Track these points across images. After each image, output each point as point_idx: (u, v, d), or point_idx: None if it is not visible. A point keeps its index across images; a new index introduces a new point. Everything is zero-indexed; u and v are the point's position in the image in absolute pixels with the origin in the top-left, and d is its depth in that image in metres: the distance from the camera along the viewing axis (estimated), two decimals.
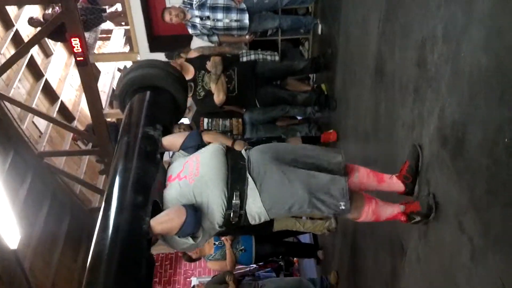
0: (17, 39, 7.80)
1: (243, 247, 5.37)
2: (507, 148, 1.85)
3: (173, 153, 2.87)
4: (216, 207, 2.44)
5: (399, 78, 3.09)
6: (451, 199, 2.37)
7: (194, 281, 6.99)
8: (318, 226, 5.22)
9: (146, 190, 2.37)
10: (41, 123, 8.18)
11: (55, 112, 8.36)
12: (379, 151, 3.58)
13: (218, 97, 4.78)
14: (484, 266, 2.07)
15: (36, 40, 7.13)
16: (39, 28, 7.26)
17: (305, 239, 6.57)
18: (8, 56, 7.21)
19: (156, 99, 2.93)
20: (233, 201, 2.45)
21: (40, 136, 8.14)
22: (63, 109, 8.79)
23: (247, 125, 5.18)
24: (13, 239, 6.60)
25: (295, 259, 7.21)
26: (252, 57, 5.33)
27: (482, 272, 2.08)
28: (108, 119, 7.68)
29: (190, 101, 5.10)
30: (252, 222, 2.53)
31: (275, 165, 2.52)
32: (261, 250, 5.48)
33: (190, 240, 2.40)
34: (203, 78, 4.81)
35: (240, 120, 5.18)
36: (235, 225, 2.52)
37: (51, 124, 8.20)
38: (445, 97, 2.43)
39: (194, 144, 2.70)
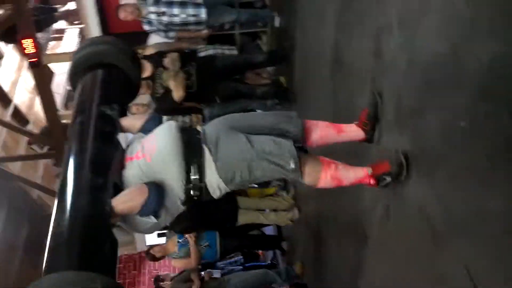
0: None
1: (207, 243, 5.34)
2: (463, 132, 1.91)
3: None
4: (175, 182, 2.40)
5: (356, 68, 3.15)
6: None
7: None
8: (281, 217, 5.25)
9: (105, 171, 2.29)
10: None
11: (9, 116, 8.11)
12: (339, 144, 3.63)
13: (177, 94, 4.74)
14: (447, 250, 2.12)
15: None
16: None
17: (269, 231, 6.61)
18: None
19: (109, 77, 2.79)
20: (191, 174, 2.41)
21: None
22: (17, 113, 8.53)
23: (206, 120, 5.16)
24: None
25: (260, 251, 7.25)
26: (211, 52, 5.32)
27: (445, 256, 2.13)
28: (64, 121, 7.50)
29: (148, 98, 5.05)
30: (214, 195, 2.50)
31: (228, 133, 2.51)
32: (226, 244, 5.47)
33: (152, 219, 2.35)
34: (161, 75, 4.76)
35: (199, 116, 5.16)
36: (198, 200, 2.47)
37: (5, 129, 7.96)
38: (401, 85, 2.49)
39: (154, 128, 2.60)
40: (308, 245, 4.86)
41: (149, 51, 5.00)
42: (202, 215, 4.99)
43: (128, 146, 2.57)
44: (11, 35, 6.56)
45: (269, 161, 2.43)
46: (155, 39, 5.44)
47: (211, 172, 2.43)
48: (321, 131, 2.71)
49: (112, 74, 2.82)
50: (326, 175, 2.56)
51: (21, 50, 6.91)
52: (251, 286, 5.21)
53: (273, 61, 5.32)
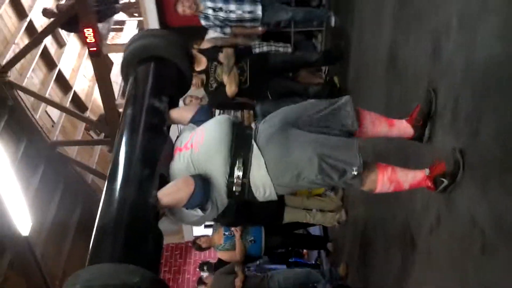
0: (31, 29, 7.86)
1: (252, 238, 5.38)
2: None
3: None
4: (219, 174, 2.35)
5: (412, 68, 3.08)
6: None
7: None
8: (328, 218, 5.22)
9: (152, 163, 2.31)
10: (54, 113, 8.25)
11: (68, 102, 8.43)
12: (392, 146, 3.58)
13: (230, 89, 4.78)
14: (496, 260, 2.06)
15: (49, 30, 7.20)
16: (52, 19, 7.30)
17: (315, 231, 6.58)
18: (22, 46, 7.28)
19: (161, 69, 2.82)
20: (235, 168, 2.35)
21: (53, 126, 8.21)
22: (76, 99, 8.86)
23: (258, 117, 5.18)
24: (25, 226, 6.68)
25: (304, 251, 7.23)
26: (265, 48, 5.32)
27: (493, 266, 2.08)
28: (121, 110, 7.71)
29: (202, 92, 5.12)
30: (256, 194, 2.42)
31: (283, 130, 2.40)
32: (271, 241, 5.49)
33: (199, 212, 2.34)
34: (215, 69, 4.81)
35: (251, 112, 5.18)
36: (240, 197, 2.40)
37: (64, 114, 8.27)
38: (458, 86, 2.42)
39: (204, 119, 2.59)
40: (354, 248, 4.81)
41: (205, 45, 5.06)
42: (249, 210, 5.02)
43: (178, 137, 2.59)
44: (73, 24, 6.80)
45: (328, 164, 2.31)
46: (212, 34, 5.50)
47: (258, 169, 2.36)
48: (373, 122, 2.63)
49: (164, 67, 2.84)
50: (383, 178, 2.45)
51: (83, 39, 7.16)
52: (293, 284, 5.20)
53: (328, 60, 5.27)
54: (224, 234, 5.35)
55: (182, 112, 2.74)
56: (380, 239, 3.91)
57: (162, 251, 2.26)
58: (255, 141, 2.41)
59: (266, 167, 2.35)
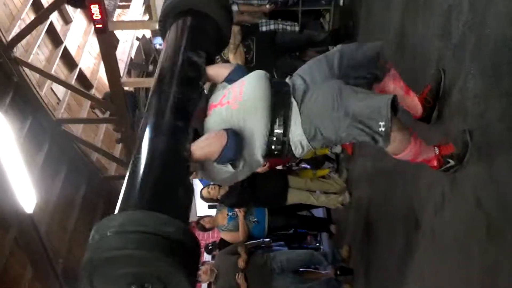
0: (37, 4, 7.79)
1: (256, 219, 5.37)
2: None
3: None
4: (259, 132, 2.28)
5: (422, 48, 3.03)
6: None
7: (205, 256, 7.03)
8: (332, 200, 5.20)
9: (186, 116, 2.27)
10: (60, 90, 8.21)
11: (74, 80, 8.39)
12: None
13: None
14: (501, 242, 2.03)
15: (55, 6, 7.13)
16: None
17: (319, 213, 6.56)
18: (27, 21, 7.22)
19: (200, 24, 2.76)
20: (275, 126, 2.29)
21: (58, 103, 8.18)
22: (82, 77, 8.81)
23: None
24: (29, 203, 6.70)
25: (308, 234, 7.20)
26: (272, 27, 5.25)
27: (498, 248, 2.05)
28: (126, 88, 7.68)
29: None
30: (295, 151, 2.36)
31: (317, 84, 2.35)
32: (274, 222, 5.49)
33: (229, 168, 2.27)
34: None
35: None
36: (278, 155, 2.36)
37: (69, 92, 8.23)
38: (467, 67, 2.37)
39: (239, 79, 2.50)
40: (357, 229, 4.79)
41: None
42: (253, 191, 5.01)
43: (212, 93, 2.52)
44: (80, 1, 6.74)
45: (356, 120, 2.19)
46: None
47: (296, 127, 2.30)
48: (395, 78, 2.55)
49: (203, 22, 2.78)
50: (411, 150, 2.35)
51: (89, 15, 7.09)
52: (295, 265, 5.20)
53: (335, 40, 5.20)
54: (228, 215, 5.35)
55: (219, 68, 2.65)
56: (384, 221, 3.89)
57: (191, 205, 2.20)
58: (294, 98, 2.34)
59: (301, 124, 2.29)
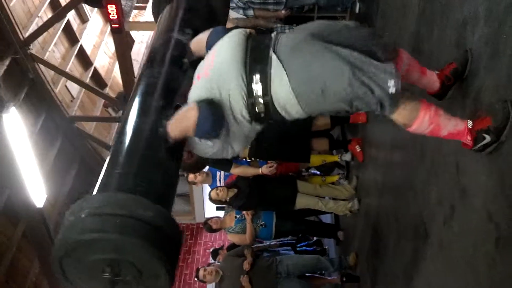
0: (54, 3, 7.89)
1: (263, 222, 5.37)
2: None
3: None
4: (236, 95, 2.06)
5: (436, 58, 3.02)
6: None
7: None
8: (340, 206, 5.18)
9: (167, 94, 2.23)
10: (74, 88, 8.30)
11: (88, 78, 8.47)
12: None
13: None
14: (510, 254, 2.02)
15: (73, 4, 7.21)
16: None
17: (327, 219, 6.55)
18: (45, 19, 7.31)
19: (190, 4, 2.73)
20: (253, 85, 2.04)
21: (72, 101, 8.26)
22: (96, 76, 8.89)
23: None
24: (40, 198, 6.76)
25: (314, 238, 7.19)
26: (287, 32, 5.26)
27: (507, 260, 2.04)
28: None
29: None
30: (283, 114, 2.12)
31: (311, 39, 2.06)
32: (282, 226, 5.48)
33: (213, 141, 2.13)
34: None
35: None
36: (266, 118, 2.13)
37: (83, 90, 8.31)
38: (483, 79, 2.36)
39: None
40: (365, 237, 4.77)
41: (227, 25, 5.02)
42: (262, 194, 5.02)
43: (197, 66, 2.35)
44: (97, 0, 6.80)
45: (362, 72, 1.97)
46: (234, 15, 5.46)
47: (280, 85, 2.04)
48: (410, 63, 2.36)
49: (192, 2, 2.77)
50: (425, 116, 2.13)
51: (105, 15, 7.15)
52: (301, 270, 5.19)
53: None
54: (236, 217, 5.36)
55: (197, 39, 2.42)
56: (392, 230, 3.87)
57: (175, 190, 2.10)
58: (275, 52, 2.08)
59: (288, 80, 2.03)
